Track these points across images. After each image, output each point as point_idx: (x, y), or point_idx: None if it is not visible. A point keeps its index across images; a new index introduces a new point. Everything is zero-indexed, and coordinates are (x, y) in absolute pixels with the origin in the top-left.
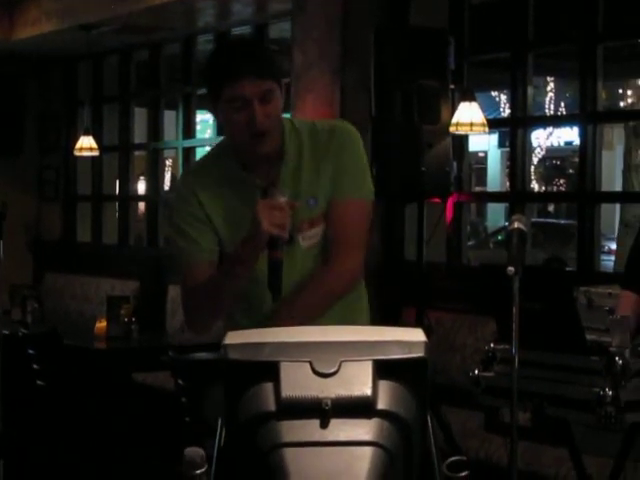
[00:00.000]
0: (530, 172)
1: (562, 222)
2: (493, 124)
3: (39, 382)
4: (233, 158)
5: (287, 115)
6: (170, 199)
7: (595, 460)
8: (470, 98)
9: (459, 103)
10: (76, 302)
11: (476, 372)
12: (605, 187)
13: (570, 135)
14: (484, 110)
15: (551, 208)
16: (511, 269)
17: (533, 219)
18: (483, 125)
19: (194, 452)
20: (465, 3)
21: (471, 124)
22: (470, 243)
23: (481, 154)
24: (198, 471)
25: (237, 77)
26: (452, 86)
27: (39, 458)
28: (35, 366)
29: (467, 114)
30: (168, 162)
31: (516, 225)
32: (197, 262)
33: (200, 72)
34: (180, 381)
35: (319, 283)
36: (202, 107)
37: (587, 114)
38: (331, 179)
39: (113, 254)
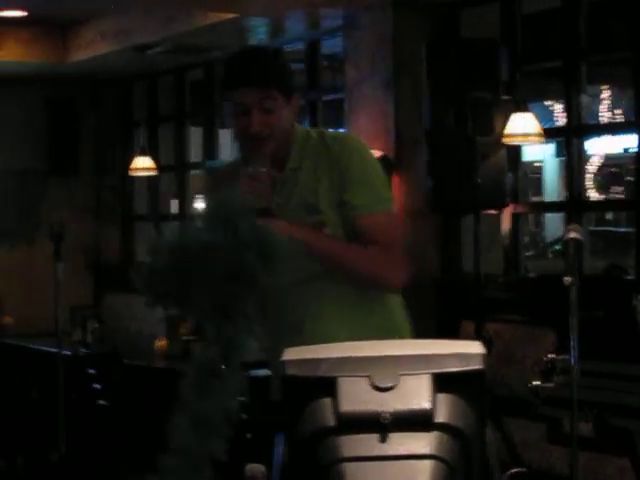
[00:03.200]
0: (587, 181)
1: (621, 230)
2: (548, 134)
3: (100, 401)
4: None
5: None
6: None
7: None
8: (524, 108)
9: (513, 114)
10: (136, 322)
11: (536, 383)
12: None
13: (627, 142)
14: (539, 120)
15: (610, 216)
16: (568, 279)
17: (592, 227)
18: (538, 135)
19: (255, 468)
20: (516, 13)
21: (526, 134)
22: (529, 253)
23: (537, 164)
24: None
25: (238, 84)
26: (505, 97)
27: (101, 477)
28: (96, 386)
29: (520, 124)
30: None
31: (572, 235)
32: None
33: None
34: (240, 397)
35: (367, 250)
36: None
37: None
38: (344, 191)
39: None
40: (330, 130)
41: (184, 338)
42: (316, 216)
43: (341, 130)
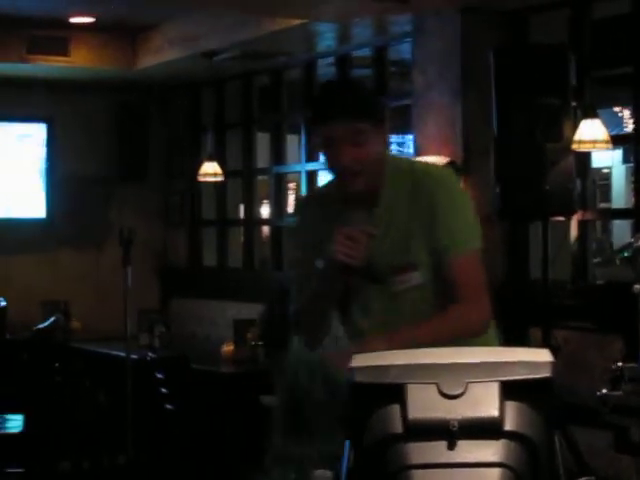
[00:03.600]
0: None
1: None
2: (616, 140)
3: (168, 406)
4: (338, 195)
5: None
6: (290, 225)
7: None
8: (592, 115)
9: (581, 120)
10: (203, 326)
11: (604, 391)
12: None
13: None
14: (607, 126)
15: None
16: (637, 287)
17: None
18: (606, 142)
19: (323, 474)
20: (586, 18)
21: (594, 141)
22: (596, 260)
23: (605, 170)
24: None
25: (327, 119)
26: (574, 103)
27: None
28: (163, 390)
29: (589, 131)
30: (291, 186)
31: None
32: (305, 287)
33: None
34: None
35: (446, 316)
36: None
37: None
38: (434, 230)
39: (238, 278)
40: (420, 161)
41: (252, 343)
42: (408, 258)
43: (430, 161)
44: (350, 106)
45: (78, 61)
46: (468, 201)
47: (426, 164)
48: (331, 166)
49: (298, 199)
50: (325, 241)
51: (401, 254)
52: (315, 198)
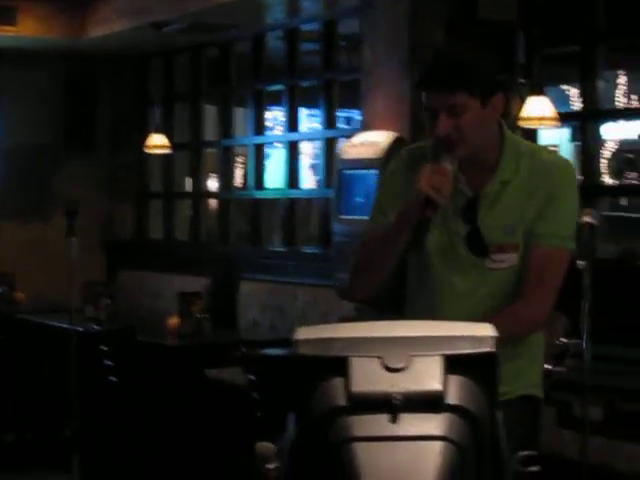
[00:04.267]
0: (602, 166)
1: (635, 216)
2: (564, 118)
3: (112, 378)
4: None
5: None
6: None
7: None
8: (539, 92)
9: (528, 97)
10: (148, 299)
11: (547, 367)
12: None
13: None
14: (555, 104)
15: (624, 202)
16: (581, 263)
17: (605, 213)
18: (554, 119)
19: (265, 447)
20: None
21: (541, 118)
22: None
23: (553, 148)
24: (269, 466)
25: (426, 88)
26: (522, 80)
27: (112, 453)
28: (108, 362)
29: (536, 108)
30: (239, 159)
31: (586, 219)
32: (378, 226)
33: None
34: (251, 377)
35: (503, 314)
36: (272, 104)
37: None
38: (538, 217)
39: (185, 251)
40: (541, 147)
41: (197, 316)
42: (512, 239)
43: (552, 149)
44: (447, 75)
45: (25, 31)
46: (578, 202)
47: (549, 151)
48: (431, 134)
49: (397, 153)
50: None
51: (508, 233)
52: (416, 152)
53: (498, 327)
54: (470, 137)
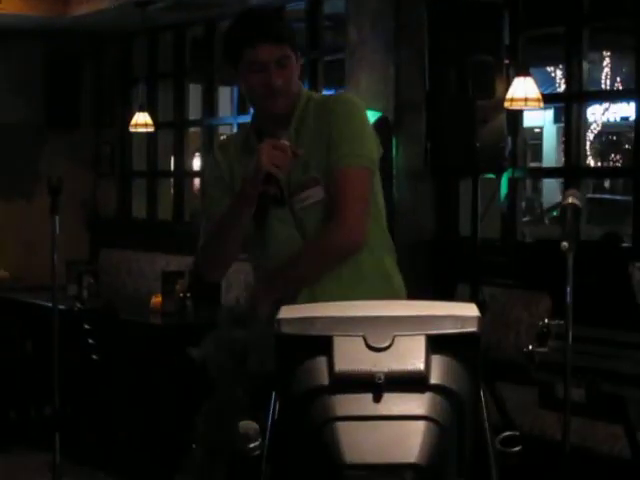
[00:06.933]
0: (586, 148)
1: (618, 198)
2: (548, 99)
3: (94, 357)
4: (252, 128)
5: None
6: (208, 159)
7: None
8: (525, 73)
9: (514, 78)
10: (131, 278)
11: (530, 348)
12: None
13: (626, 110)
14: (539, 85)
15: (607, 184)
16: (565, 244)
17: (589, 195)
18: (538, 100)
19: (248, 425)
20: None
21: (526, 99)
22: (526, 219)
23: (537, 130)
24: (252, 444)
25: (255, 43)
26: (507, 61)
27: (94, 432)
28: (90, 341)
29: (522, 89)
30: (223, 138)
31: (570, 200)
32: (217, 210)
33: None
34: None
35: (317, 238)
36: None
37: None
38: (329, 146)
39: (168, 230)
40: (330, 94)
41: (180, 295)
42: (310, 174)
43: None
44: (277, 29)
45: (9, 8)
46: (366, 120)
47: (336, 94)
48: (257, 89)
49: (215, 144)
50: (238, 177)
51: (304, 172)
52: (230, 140)
53: (312, 252)
54: (291, 89)
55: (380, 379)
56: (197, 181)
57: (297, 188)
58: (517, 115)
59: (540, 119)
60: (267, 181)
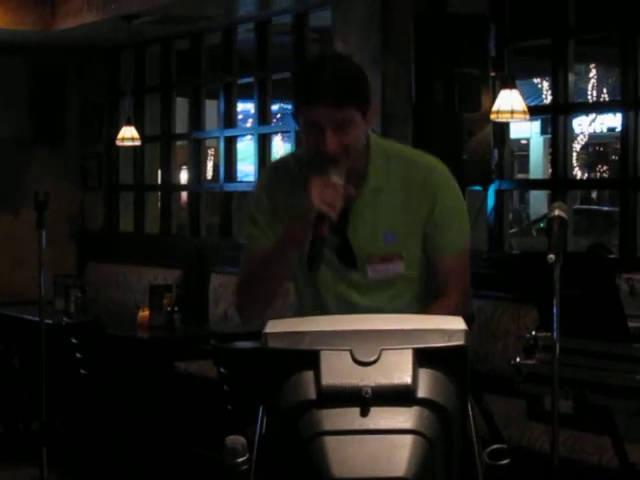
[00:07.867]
0: (572, 159)
1: (605, 209)
2: (534, 111)
3: (82, 371)
4: (301, 161)
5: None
6: (253, 189)
7: (638, 448)
8: (511, 85)
9: (500, 90)
10: (119, 291)
11: (518, 360)
12: None
13: (613, 122)
14: (526, 97)
15: (594, 195)
16: (552, 257)
17: (576, 206)
18: (524, 112)
19: (236, 440)
20: None
21: (512, 111)
22: (513, 231)
23: (524, 141)
24: (240, 459)
25: (313, 103)
26: (493, 73)
27: (81, 446)
28: (78, 355)
29: (508, 101)
30: (210, 152)
31: (557, 212)
32: (259, 248)
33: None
34: (222, 370)
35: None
36: (243, 97)
37: (629, 101)
38: (431, 226)
39: (155, 243)
40: (406, 147)
41: (168, 309)
42: (394, 246)
43: (416, 150)
44: (339, 90)
45: None
46: (463, 199)
47: (416, 153)
48: (313, 150)
49: (263, 168)
50: (290, 208)
51: (388, 242)
52: (281, 168)
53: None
54: (352, 152)
55: (367, 393)
56: (184, 194)
57: (376, 257)
58: (503, 127)
59: (527, 131)
60: (320, 222)
